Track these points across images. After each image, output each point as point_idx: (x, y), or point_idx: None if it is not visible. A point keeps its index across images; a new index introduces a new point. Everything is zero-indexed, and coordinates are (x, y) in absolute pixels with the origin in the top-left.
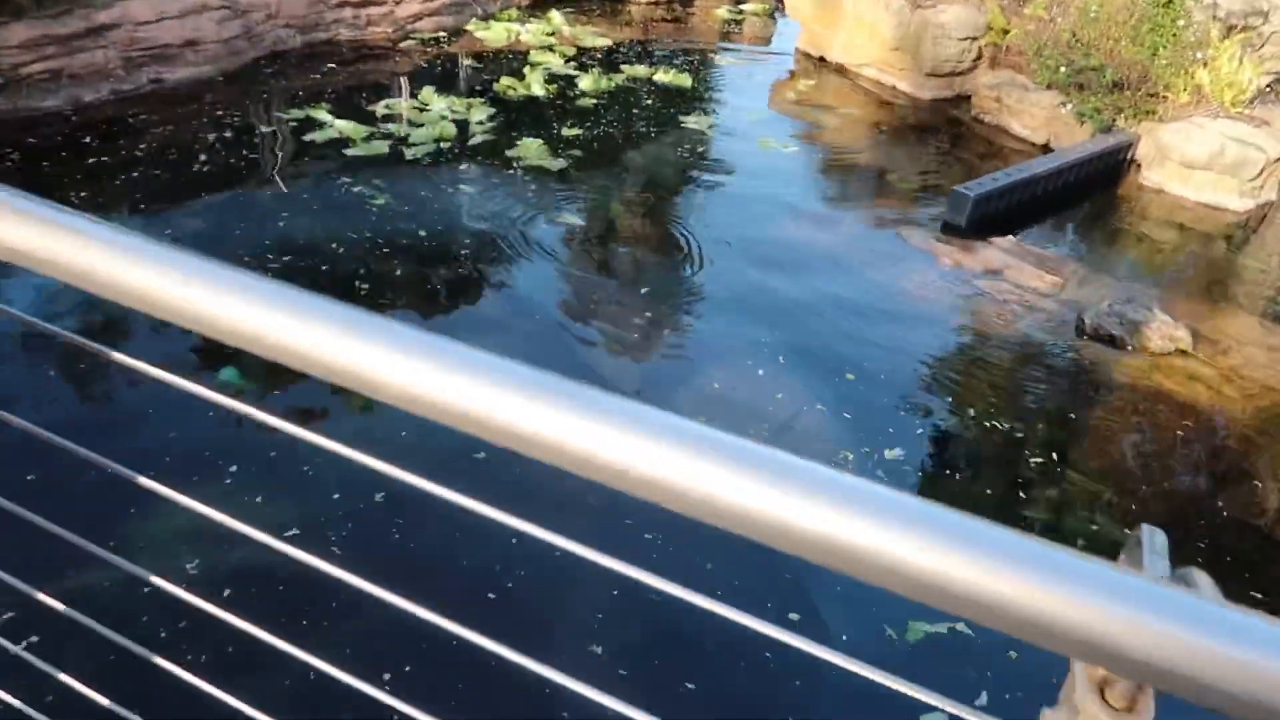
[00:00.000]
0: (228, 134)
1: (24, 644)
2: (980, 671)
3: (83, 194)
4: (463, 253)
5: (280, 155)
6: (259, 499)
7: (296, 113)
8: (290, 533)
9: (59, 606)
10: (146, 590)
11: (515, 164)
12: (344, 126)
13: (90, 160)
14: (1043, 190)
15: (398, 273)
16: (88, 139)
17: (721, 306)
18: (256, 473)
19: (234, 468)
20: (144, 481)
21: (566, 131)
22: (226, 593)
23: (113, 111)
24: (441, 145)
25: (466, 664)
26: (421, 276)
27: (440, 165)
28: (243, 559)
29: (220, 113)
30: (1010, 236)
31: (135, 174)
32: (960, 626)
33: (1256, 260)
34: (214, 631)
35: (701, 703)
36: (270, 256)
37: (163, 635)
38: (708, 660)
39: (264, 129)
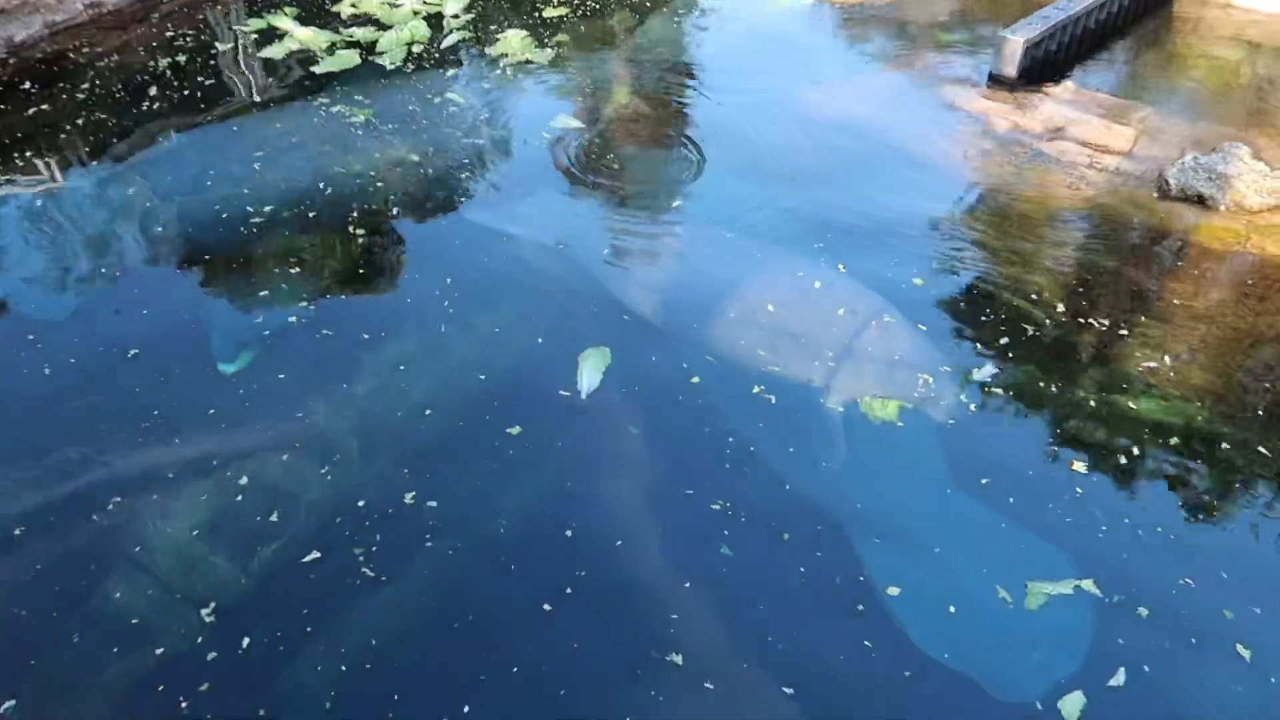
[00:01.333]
0: (181, 59)
1: None
2: (1112, 636)
3: (28, 153)
4: (462, 177)
5: (246, 78)
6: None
7: (256, 23)
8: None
9: None
10: None
11: (500, 62)
12: (305, 36)
13: (32, 110)
14: (1095, 22)
15: (394, 211)
16: (26, 85)
17: (759, 208)
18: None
19: None
20: None
21: (551, 12)
22: None
23: (50, 48)
24: (413, 49)
25: None
26: (420, 211)
27: (422, 72)
28: None
29: (170, 33)
30: (1068, 82)
31: (82, 121)
32: (1087, 584)
33: None
34: None
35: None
36: (251, 209)
37: None
38: None
39: (222, 47)
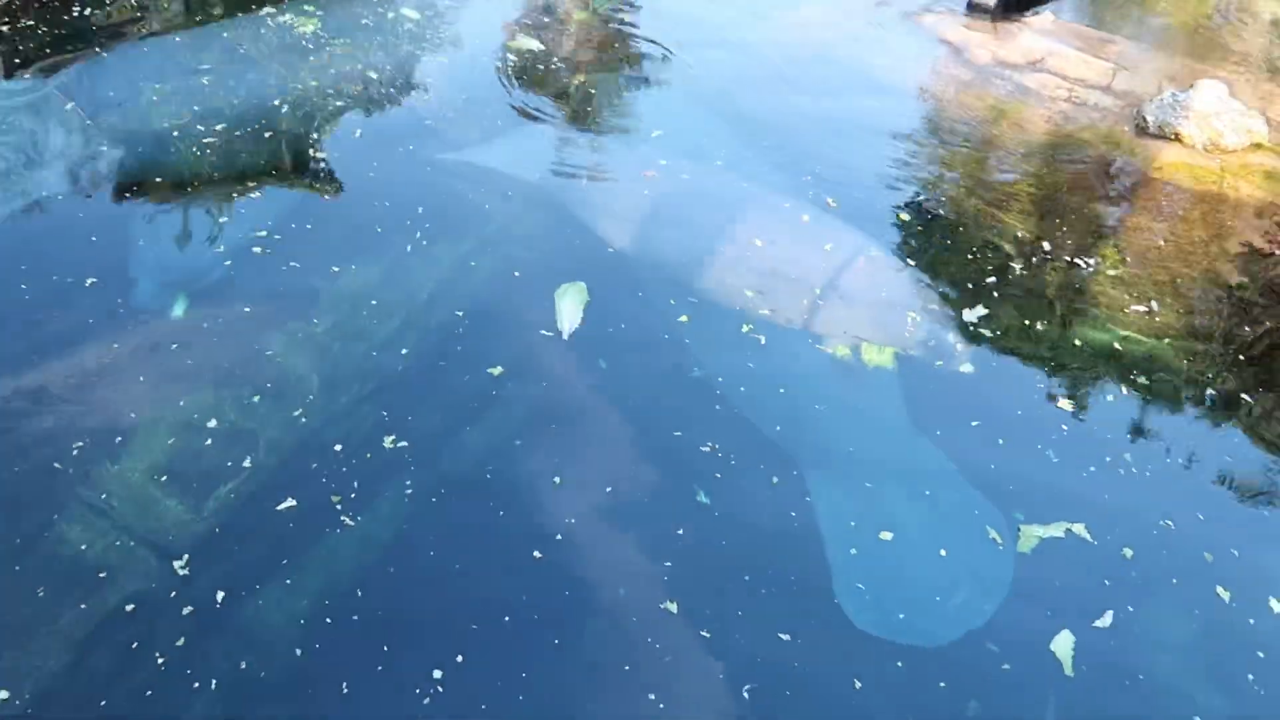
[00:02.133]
0: None
1: None
2: (1097, 579)
3: None
4: (424, 99)
5: None
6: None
7: None
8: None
9: None
10: None
11: None
12: None
13: None
14: None
15: (357, 132)
16: None
17: (735, 139)
18: None
19: None
20: None
21: None
22: None
23: None
24: None
25: None
26: (384, 133)
27: None
28: None
29: None
30: (1047, 13)
31: (5, 27)
32: (1078, 528)
33: None
34: None
35: None
36: (201, 128)
37: None
38: None
39: None
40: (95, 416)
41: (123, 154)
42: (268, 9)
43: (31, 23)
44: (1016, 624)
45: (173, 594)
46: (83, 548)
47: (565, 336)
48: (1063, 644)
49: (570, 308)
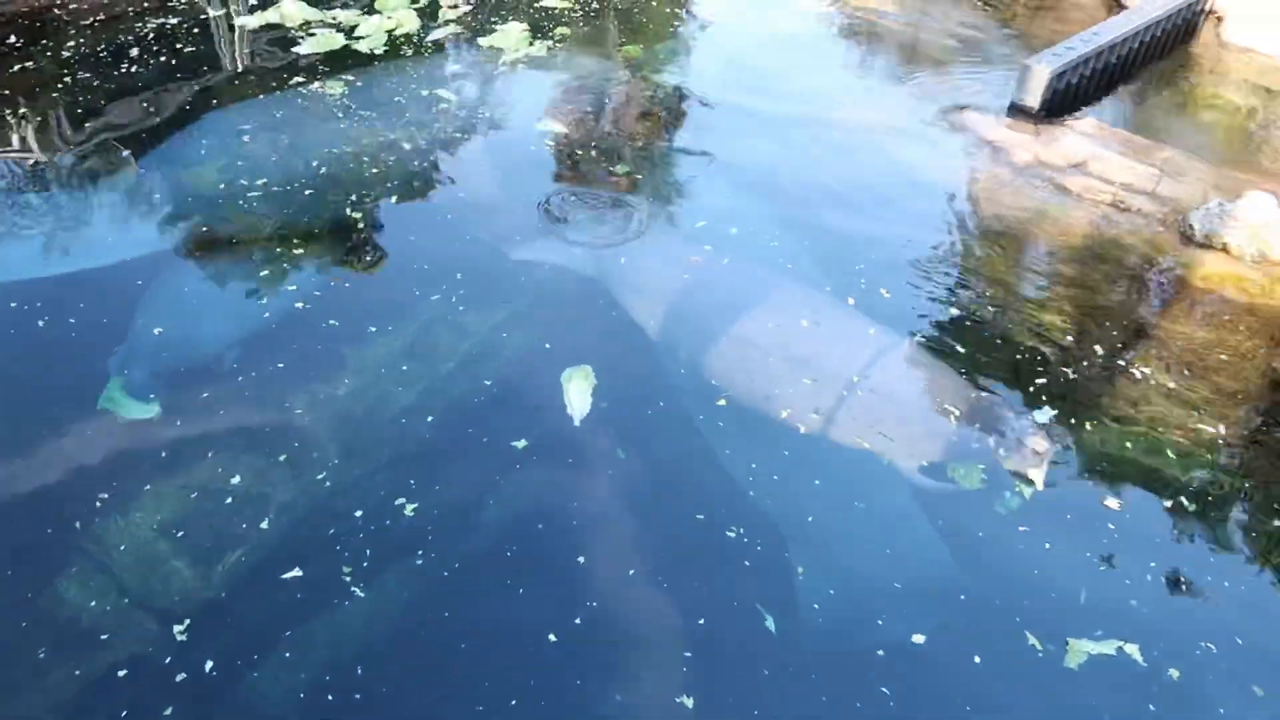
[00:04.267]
0: (169, 21)
1: None
2: (1141, 702)
3: (19, 111)
4: (461, 171)
5: (229, 50)
6: None
7: None
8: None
9: None
10: None
11: (496, 56)
12: (291, 12)
13: (16, 68)
14: (1118, 57)
15: (392, 199)
16: (11, 38)
17: (779, 228)
18: None
19: None
20: None
21: (555, 2)
22: None
23: (36, 2)
24: (396, 35)
25: None
26: (420, 202)
27: (416, 58)
28: None
29: None
30: (1090, 118)
31: (68, 80)
32: (1129, 648)
33: None
34: None
35: None
36: (244, 182)
37: None
38: None
39: (213, 13)
40: (119, 469)
41: (174, 208)
42: (299, 78)
43: (90, 76)
44: None
45: (168, 660)
46: (91, 604)
47: (576, 422)
48: None
49: (577, 392)
